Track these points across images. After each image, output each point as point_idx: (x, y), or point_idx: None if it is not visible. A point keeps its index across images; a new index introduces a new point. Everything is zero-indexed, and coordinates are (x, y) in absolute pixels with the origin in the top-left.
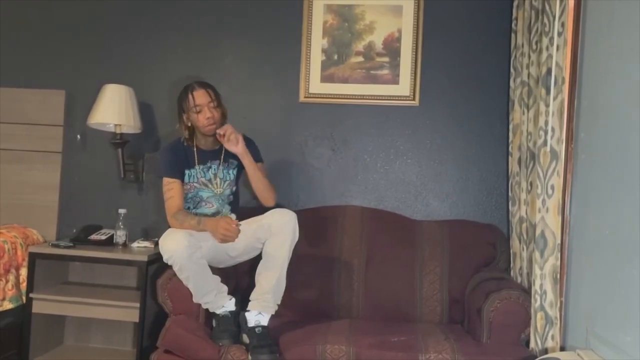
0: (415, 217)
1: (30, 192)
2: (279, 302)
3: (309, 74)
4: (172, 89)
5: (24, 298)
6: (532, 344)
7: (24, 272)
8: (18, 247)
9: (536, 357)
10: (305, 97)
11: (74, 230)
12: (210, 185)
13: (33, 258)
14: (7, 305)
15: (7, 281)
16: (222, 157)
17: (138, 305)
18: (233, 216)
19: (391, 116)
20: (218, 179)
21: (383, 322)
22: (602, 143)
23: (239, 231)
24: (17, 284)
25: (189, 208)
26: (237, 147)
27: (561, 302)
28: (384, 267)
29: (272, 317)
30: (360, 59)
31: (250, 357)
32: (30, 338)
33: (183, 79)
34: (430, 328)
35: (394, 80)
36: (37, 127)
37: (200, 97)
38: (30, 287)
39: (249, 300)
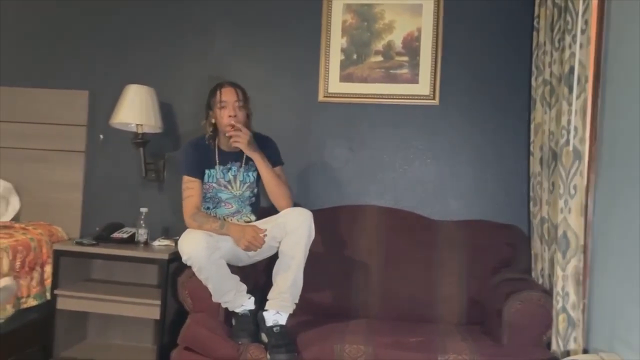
0: (434, 217)
1: (55, 191)
2: (297, 301)
3: (328, 73)
4: (192, 89)
5: (47, 294)
6: (553, 347)
7: (48, 269)
8: (44, 244)
9: (558, 359)
10: (324, 96)
11: (97, 228)
12: (229, 187)
13: (57, 255)
14: (31, 302)
15: (32, 278)
16: (243, 159)
17: (159, 302)
18: (253, 217)
19: (410, 115)
20: (238, 181)
21: (401, 323)
22: (626, 142)
23: (264, 241)
24: (42, 280)
25: (208, 208)
26: (239, 143)
27: (584, 304)
28: (402, 267)
29: (290, 316)
30: (380, 58)
31: (268, 356)
32: (55, 334)
33: (203, 79)
34: (448, 329)
35: (414, 79)
36: (61, 127)
37: (227, 93)
38: (54, 284)
39: (267, 300)
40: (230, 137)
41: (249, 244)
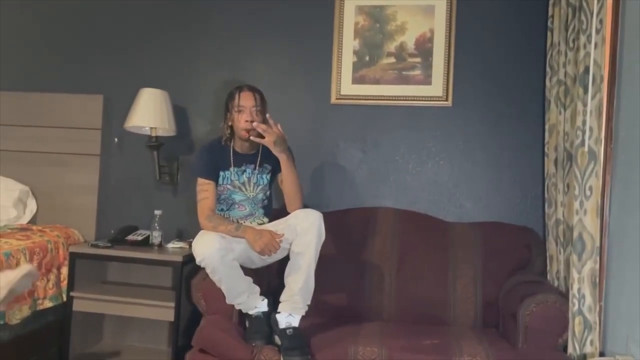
0: (448, 219)
1: (71, 194)
2: (309, 303)
3: (340, 75)
4: (206, 92)
5: (64, 296)
6: (569, 350)
7: (64, 271)
8: (60, 246)
9: None
10: (336, 98)
11: (112, 231)
12: (243, 189)
13: (73, 258)
14: (47, 304)
15: (47, 280)
16: (257, 161)
17: (173, 304)
18: (266, 220)
19: (423, 117)
20: (252, 183)
21: (415, 325)
22: None
23: (280, 246)
24: (58, 282)
25: (222, 210)
26: (265, 141)
27: (600, 306)
28: (416, 270)
29: (304, 319)
30: (392, 59)
31: (282, 358)
32: (71, 335)
33: (216, 82)
34: (463, 331)
35: (426, 80)
36: (76, 130)
37: (245, 98)
38: (70, 286)
39: (279, 302)
40: (248, 138)
41: (264, 247)
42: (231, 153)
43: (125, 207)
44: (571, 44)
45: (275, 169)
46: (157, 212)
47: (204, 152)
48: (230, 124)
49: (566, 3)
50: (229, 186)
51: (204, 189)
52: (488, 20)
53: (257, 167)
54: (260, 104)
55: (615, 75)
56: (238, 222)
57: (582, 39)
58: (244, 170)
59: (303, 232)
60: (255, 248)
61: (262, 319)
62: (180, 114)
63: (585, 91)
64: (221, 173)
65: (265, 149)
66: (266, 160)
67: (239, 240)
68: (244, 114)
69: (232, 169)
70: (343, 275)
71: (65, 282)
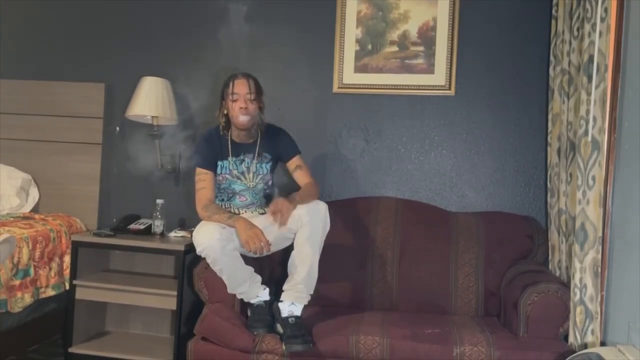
0: (451, 209)
1: (73, 182)
2: (312, 292)
3: (342, 64)
4: (207, 81)
5: (66, 285)
6: (571, 339)
7: (67, 259)
8: (63, 235)
9: (575, 352)
10: (339, 87)
11: (114, 220)
12: (243, 179)
13: (76, 246)
14: (50, 292)
15: (50, 269)
16: (256, 151)
17: (175, 293)
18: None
19: (426, 106)
20: (251, 173)
21: (417, 314)
22: None
23: (264, 250)
24: (60, 271)
25: (222, 200)
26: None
27: (602, 296)
28: (418, 259)
29: (306, 307)
30: (395, 48)
31: (284, 346)
32: (74, 323)
33: (218, 71)
34: (465, 321)
35: (429, 69)
36: (78, 119)
37: (239, 86)
38: (73, 275)
39: (282, 291)
40: (246, 128)
41: (248, 239)
42: (229, 142)
43: (127, 196)
44: (575, 33)
45: (276, 158)
46: (159, 201)
47: (202, 142)
48: (225, 112)
49: None
50: (227, 176)
51: (202, 178)
52: (491, 9)
53: (256, 157)
54: (255, 91)
55: (619, 65)
56: (232, 212)
57: (587, 27)
58: (243, 160)
59: (308, 223)
60: (241, 237)
61: (264, 308)
62: (182, 103)
63: (589, 80)
64: (219, 162)
65: (264, 139)
66: (265, 149)
67: None
68: (238, 102)
69: (230, 158)
70: (345, 265)
71: (68, 270)
